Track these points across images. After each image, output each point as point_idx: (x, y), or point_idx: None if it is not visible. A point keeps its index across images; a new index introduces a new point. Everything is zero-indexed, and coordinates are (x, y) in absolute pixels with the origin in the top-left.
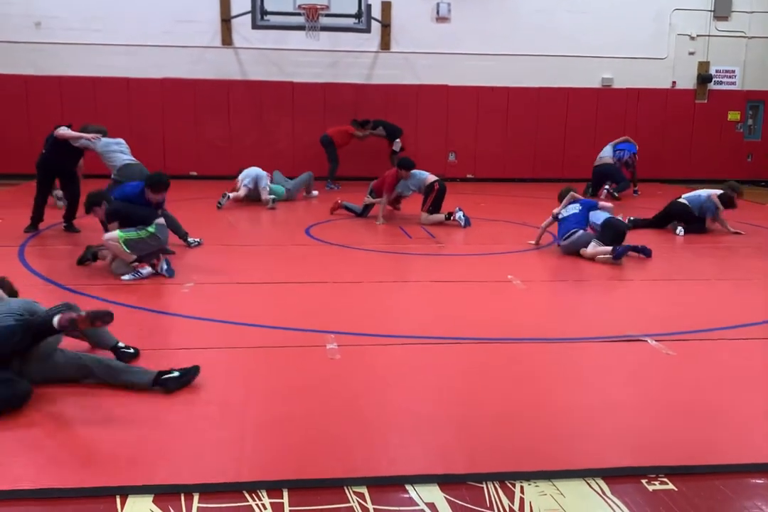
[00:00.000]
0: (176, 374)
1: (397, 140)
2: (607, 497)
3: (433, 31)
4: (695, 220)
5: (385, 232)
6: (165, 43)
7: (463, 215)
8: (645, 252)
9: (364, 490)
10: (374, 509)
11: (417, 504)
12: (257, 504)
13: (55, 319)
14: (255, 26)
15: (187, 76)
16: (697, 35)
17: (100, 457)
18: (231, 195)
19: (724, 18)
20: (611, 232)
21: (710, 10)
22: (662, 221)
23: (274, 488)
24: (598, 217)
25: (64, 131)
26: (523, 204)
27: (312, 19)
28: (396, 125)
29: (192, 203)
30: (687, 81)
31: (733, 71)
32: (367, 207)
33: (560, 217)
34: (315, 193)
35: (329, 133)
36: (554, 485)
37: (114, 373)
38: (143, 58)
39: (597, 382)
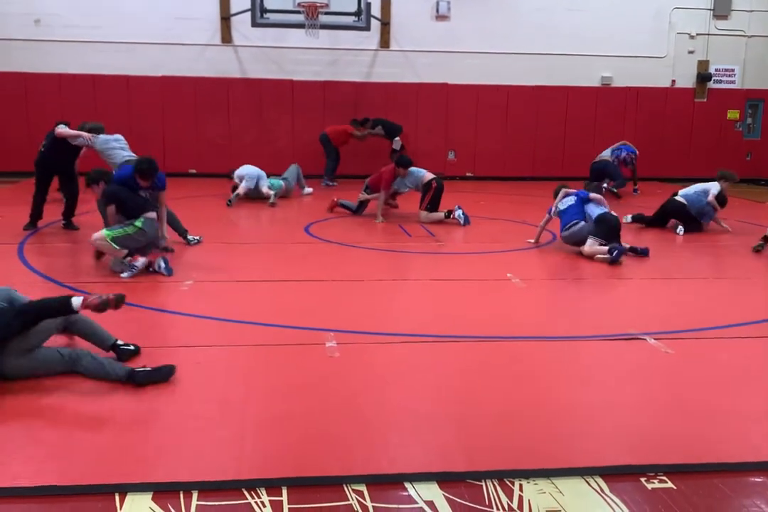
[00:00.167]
0: (148, 369)
1: (397, 138)
2: (606, 495)
3: (432, 29)
4: (692, 220)
5: (385, 230)
6: (164, 40)
7: (463, 213)
8: (643, 253)
9: (363, 488)
10: (373, 507)
11: (416, 502)
12: (256, 502)
13: (76, 300)
14: (254, 24)
15: (186, 74)
16: (697, 34)
17: (100, 455)
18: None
19: (724, 17)
20: (605, 228)
21: (710, 9)
22: (661, 219)
23: (273, 486)
24: (592, 210)
25: (62, 130)
26: (522, 202)
27: (311, 17)
28: (395, 123)
29: (191, 201)
30: (686, 79)
31: (733, 70)
32: (362, 203)
33: (559, 209)
34: (309, 189)
35: (327, 131)
36: (553, 483)
37: (93, 367)
38: (143, 56)
39: (596, 381)
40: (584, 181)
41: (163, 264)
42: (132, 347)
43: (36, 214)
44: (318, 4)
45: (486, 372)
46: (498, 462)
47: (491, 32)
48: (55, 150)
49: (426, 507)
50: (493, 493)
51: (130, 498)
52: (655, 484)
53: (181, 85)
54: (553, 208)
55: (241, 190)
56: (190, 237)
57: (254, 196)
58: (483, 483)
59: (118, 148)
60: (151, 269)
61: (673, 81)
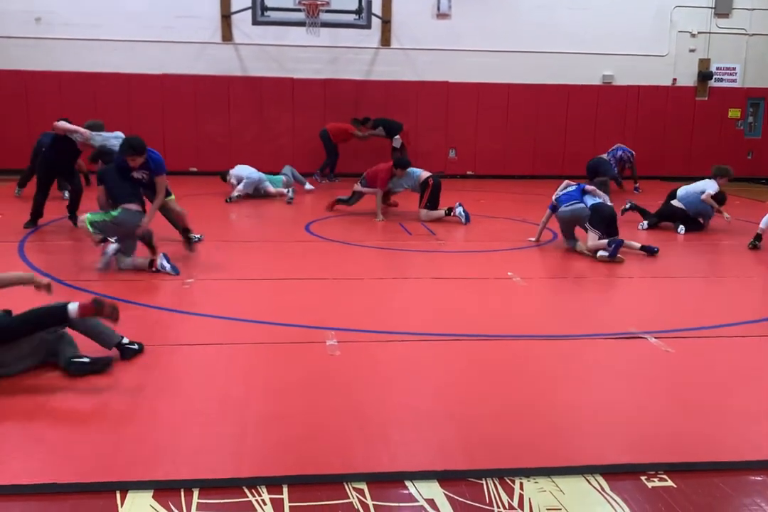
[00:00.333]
0: (86, 360)
1: (397, 136)
2: (607, 493)
3: (433, 28)
4: (692, 220)
5: (385, 228)
6: (165, 39)
7: (464, 210)
8: (653, 252)
9: (363, 486)
10: (374, 505)
11: (416, 501)
12: (257, 500)
13: (72, 306)
14: (255, 22)
15: (187, 72)
16: (698, 32)
17: (100, 453)
18: (237, 195)
19: (725, 15)
20: (597, 217)
21: (711, 7)
22: (659, 221)
23: (273, 484)
24: (587, 201)
25: (61, 124)
26: (523, 201)
27: (312, 15)
28: (396, 121)
29: (192, 199)
30: (687, 78)
31: (734, 68)
32: (355, 194)
33: (559, 195)
34: (310, 186)
35: (328, 128)
36: (554, 481)
37: (60, 349)
38: (143, 54)
39: (596, 379)
40: (586, 179)
41: (166, 264)
42: (136, 346)
43: (36, 213)
44: (319, 2)
45: (487, 371)
46: (498, 460)
47: (492, 30)
48: (56, 151)
49: (426, 506)
50: (494, 491)
51: (130, 496)
52: (656, 483)
53: (181, 83)
54: (554, 197)
55: (238, 192)
56: (191, 235)
57: (254, 194)
58: (483, 482)
59: (117, 145)
60: (154, 269)
61: (674, 79)
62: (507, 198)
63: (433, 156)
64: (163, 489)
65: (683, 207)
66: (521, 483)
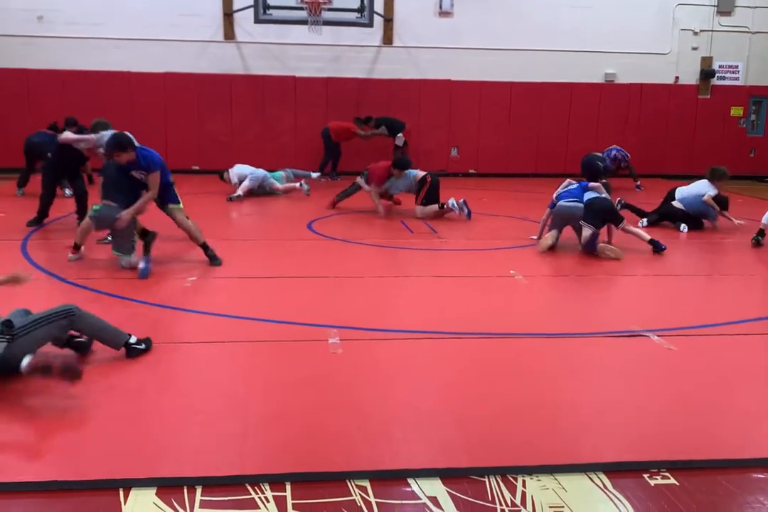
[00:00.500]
0: (26, 361)
1: (399, 135)
2: (609, 491)
3: (435, 26)
4: (693, 219)
5: (387, 226)
6: (167, 37)
7: (455, 202)
8: (660, 248)
9: (366, 484)
10: (376, 502)
11: (419, 498)
12: (260, 497)
13: (25, 362)
14: (257, 20)
15: (189, 71)
16: (701, 30)
17: (104, 450)
18: (241, 194)
19: (728, 13)
20: (592, 212)
21: (713, 5)
22: (659, 219)
23: (276, 481)
24: (586, 197)
25: (65, 136)
26: (525, 199)
27: (314, 14)
28: (398, 120)
29: (194, 198)
30: (690, 76)
31: (737, 66)
32: (355, 185)
33: (560, 192)
34: (315, 175)
35: (330, 126)
36: (556, 479)
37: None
38: (145, 53)
39: (599, 377)
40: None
41: (142, 265)
42: (143, 346)
43: (43, 213)
44: (321, 1)
45: (489, 369)
46: (501, 458)
47: (494, 28)
48: (62, 158)
49: (429, 503)
50: (496, 489)
51: (134, 493)
52: (658, 480)
53: (183, 82)
54: (554, 194)
55: (242, 190)
56: (211, 252)
57: (257, 192)
58: (486, 479)
59: None
60: (124, 264)
61: (677, 77)
62: (509, 196)
63: (435, 154)
64: (167, 486)
65: (683, 207)
66: (524, 481)
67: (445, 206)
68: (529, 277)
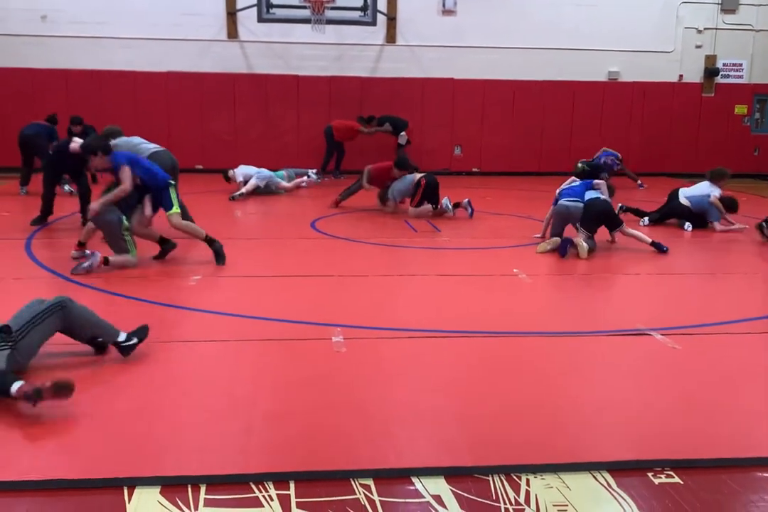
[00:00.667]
0: (14, 387)
1: (402, 133)
2: (613, 490)
3: (439, 24)
4: (697, 217)
5: (391, 225)
6: (170, 36)
7: (449, 203)
8: (661, 249)
9: (370, 482)
10: (380, 501)
11: (423, 497)
12: (264, 496)
13: (15, 387)
14: (260, 19)
15: (192, 70)
16: (704, 28)
17: (108, 449)
18: (244, 192)
19: (732, 11)
20: (587, 215)
21: (717, 3)
22: (663, 218)
23: (280, 480)
24: (587, 196)
25: (76, 145)
26: (528, 198)
27: (318, 12)
28: (401, 118)
29: (198, 197)
30: (694, 74)
31: (741, 64)
32: (359, 183)
33: (563, 189)
34: (312, 171)
35: (333, 125)
36: (560, 478)
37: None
38: (148, 52)
39: (603, 376)
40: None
41: (85, 264)
42: (135, 340)
43: (47, 210)
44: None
45: (493, 368)
46: (505, 456)
47: (497, 27)
48: (65, 156)
49: (433, 502)
50: (500, 488)
51: (138, 491)
52: (663, 479)
53: (186, 81)
54: (557, 191)
55: (250, 187)
56: (216, 246)
57: (262, 191)
58: (490, 478)
59: (139, 144)
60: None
61: (681, 76)
62: (512, 195)
63: (438, 153)
64: (171, 484)
65: (689, 204)
66: (528, 480)
67: (439, 207)
68: (532, 276)
